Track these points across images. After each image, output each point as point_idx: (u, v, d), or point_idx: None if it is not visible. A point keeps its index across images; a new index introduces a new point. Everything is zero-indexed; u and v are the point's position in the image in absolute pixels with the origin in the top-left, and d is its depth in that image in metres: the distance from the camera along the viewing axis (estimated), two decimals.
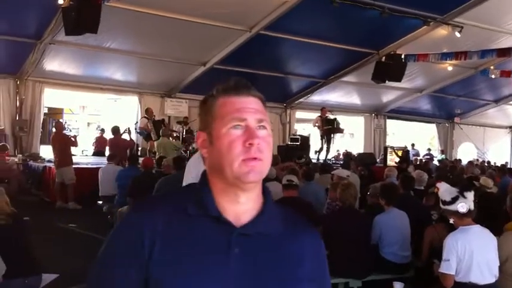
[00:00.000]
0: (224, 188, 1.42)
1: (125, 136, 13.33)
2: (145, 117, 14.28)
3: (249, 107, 1.42)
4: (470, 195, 4.15)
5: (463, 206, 4.10)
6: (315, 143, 16.79)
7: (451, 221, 4.24)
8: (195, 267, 1.36)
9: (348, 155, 17.48)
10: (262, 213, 1.45)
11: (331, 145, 16.71)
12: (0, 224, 4.36)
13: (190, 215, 1.41)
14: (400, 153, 16.29)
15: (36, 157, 13.57)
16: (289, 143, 17.17)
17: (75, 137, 12.76)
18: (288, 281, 1.43)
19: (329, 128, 16.18)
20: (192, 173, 5.09)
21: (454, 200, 4.14)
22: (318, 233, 1.62)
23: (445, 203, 4.22)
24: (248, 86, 1.46)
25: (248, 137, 1.38)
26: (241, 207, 1.43)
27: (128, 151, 12.78)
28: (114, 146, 12.78)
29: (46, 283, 4.77)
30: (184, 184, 5.42)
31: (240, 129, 1.39)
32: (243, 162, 1.37)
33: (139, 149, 14.55)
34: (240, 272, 1.37)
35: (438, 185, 4.57)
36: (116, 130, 13.16)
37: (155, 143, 13.28)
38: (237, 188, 1.41)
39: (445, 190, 4.27)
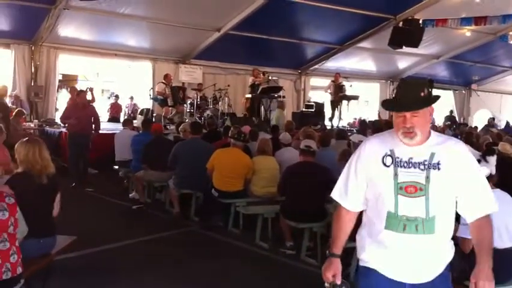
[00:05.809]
0: None
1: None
2: (163, 82, 14.19)
3: None
4: (492, 159, 4.06)
5: (485, 170, 4.04)
6: (329, 110, 16.70)
7: None
8: None
9: (363, 121, 17.38)
10: None
11: (341, 112, 16.64)
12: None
13: None
14: None
15: (52, 123, 13.62)
16: (303, 109, 17.10)
17: (91, 89, 11.88)
18: None
19: (342, 95, 16.09)
20: None
21: None
22: None
23: None
24: None
25: None
26: None
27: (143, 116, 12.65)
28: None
29: (64, 244, 4.84)
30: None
31: None
32: None
33: (154, 115, 14.52)
34: None
35: None
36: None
37: None
38: None
39: None
